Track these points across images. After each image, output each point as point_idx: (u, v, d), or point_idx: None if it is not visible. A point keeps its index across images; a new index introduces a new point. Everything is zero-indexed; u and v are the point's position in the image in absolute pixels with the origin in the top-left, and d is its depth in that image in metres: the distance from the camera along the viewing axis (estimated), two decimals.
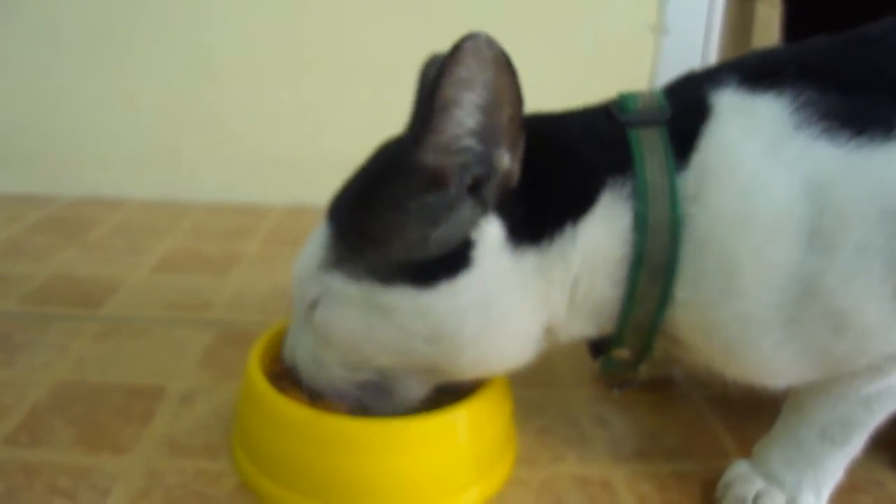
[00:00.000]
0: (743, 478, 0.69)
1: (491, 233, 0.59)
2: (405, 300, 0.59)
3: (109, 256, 1.30)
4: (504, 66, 0.54)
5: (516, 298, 0.61)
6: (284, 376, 0.74)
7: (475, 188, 0.59)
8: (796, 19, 1.92)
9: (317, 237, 0.65)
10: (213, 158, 1.68)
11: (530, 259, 0.60)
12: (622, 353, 0.68)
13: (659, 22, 1.66)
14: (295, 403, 0.67)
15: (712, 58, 1.71)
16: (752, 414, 0.79)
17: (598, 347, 0.71)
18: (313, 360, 0.67)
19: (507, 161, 0.58)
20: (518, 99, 0.56)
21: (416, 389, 0.67)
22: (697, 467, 0.76)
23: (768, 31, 2.09)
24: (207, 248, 1.37)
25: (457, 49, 0.52)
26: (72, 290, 1.14)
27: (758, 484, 0.68)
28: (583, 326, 0.65)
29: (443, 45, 0.56)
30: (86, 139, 1.67)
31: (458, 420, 0.68)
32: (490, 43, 0.52)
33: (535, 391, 0.90)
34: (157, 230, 1.46)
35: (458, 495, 0.68)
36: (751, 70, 0.62)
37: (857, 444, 0.66)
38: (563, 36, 1.56)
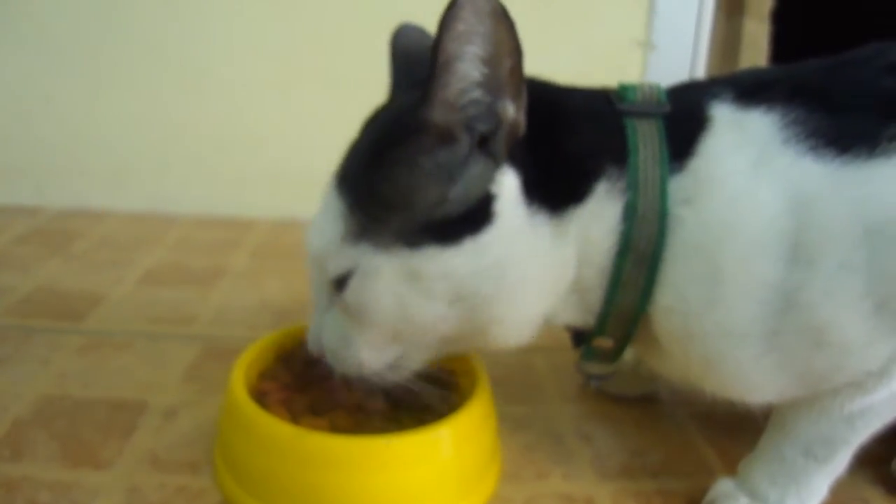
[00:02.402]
0: (727, 495, 0.70)
1: (508, 184, 0.60)
2: (432, 262, 0.59)
3: (94, 269, 1.30)
4: (502, 18, 0.55)
5: (532, 263, 0.61)
6: (268, 392, 0.74)
7: (484, 144, 0.60)
8: (785, 36, 1.93)
9: (328, 210, 0.64)
10: (199, 171, 1.68)
11: (544, 222, 0.61)
12: (603, 343, 0.68)
13: (646, 38, 1.66)
14: (277, 420, 0.67)
15: (699, 74, 1.72)
16: (737, 431, 0.79)
17: (580, 337, 0.71)
18: (342, 342, 0.66)
19: (511, 111, 0.59)
20: (517, 49, 0.56)
21: (419, 361, 0.68)
22: (682, 485, 0.76)
23: (756, 47, 2.10)
24: (193, 261, 1.37)
25: (454, 4, 0.53)
26: (55, 303, 1.13)
27: (742, 501, 0.68)
28: (571, 310, 0.66)
29: None
30: (72, 150, 1.66)
31: (442, 437, 0.68)
32: None
33: (519, 407, 0.90)
34: (143, 243, 1.46)
35: None
36: (744, 86, 0.64)
37: (840, 461, 0.66)
38: (551, 50, 1.55)
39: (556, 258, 0.62)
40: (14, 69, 1.61)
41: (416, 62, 0.72)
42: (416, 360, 0.68)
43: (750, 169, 0.58)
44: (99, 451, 0.76)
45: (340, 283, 0.63)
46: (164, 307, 1.14)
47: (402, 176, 0.60)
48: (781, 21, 1.89)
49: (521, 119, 0.60)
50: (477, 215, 0.59)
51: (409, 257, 0.60)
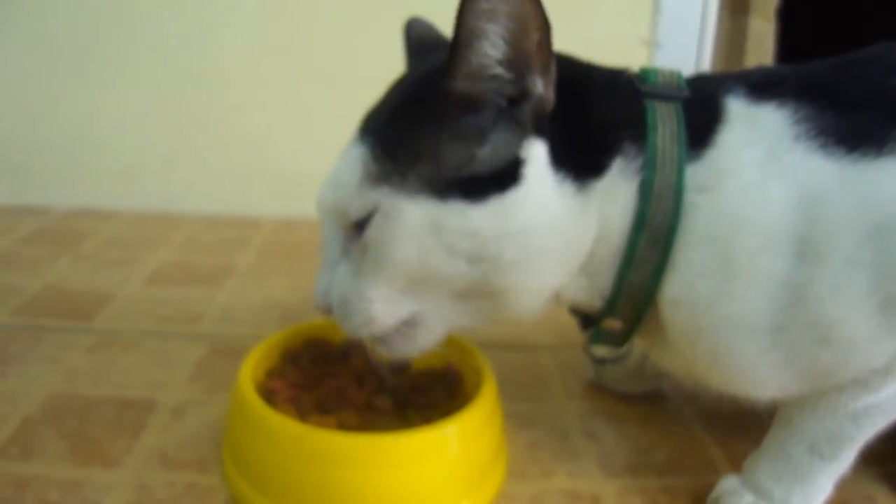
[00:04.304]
0: (732, 492, 0.70)
1: (536, 152, 0.60)
2: (456, 216, 0.59)
3: (102, 268, 1.31)
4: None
5: (554, 236, 0.61)
6: (276, 390, 0.75)
7: (513, 109, 0.60)
8: (790, 34, 1.93)
9: (346, 159, 0.64)
10: (205, 170, 1.69)
11: (570, 193, 0.61)
12: (613, 325, 0.68)
13: (651, 36, 1.67)
14: (285, 418, 0.68)
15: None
16: (743, 428, 0.80)
17: (588, 320, 0.72)
18: (353, 293, 0.64)
19: (539, 87, 0.60)
20: (545, 25, 0.57)
21: (437, 331, 0.67)
22: (687, 482, 0.77)
23: (761, 46, 2.10)
24: (200, 260, 1.38)
25: None
26: (64, 303, 1.14)
27: (746, 499, 0.69)
28: (581, 287, 0.66)
29: None
30: (79, 150, 1.67)
31: (449, 434, 0.69)
32: None
33: (525, 405, 0.90)
34: (150, 242, 1.47)
35: None
36: (756, 82, 0.64)
37: (845, 459, 0.67)
38: (555, 48, 1.57)
39: (577, 232, 0.63)
40: (19, 71, 1.62)
41: (431, 48, 0.73)
42: (430, 326, 0.66)
43: (762, 163, 0.59)
44: (108, 450, 0.77)
45: (360, 226, 0.62)
46: (171, 306, 1.15)
47: (430, 133, 0.60)
48: (786, 19, 1.89)
49: (550, 95, 0.60)
50: (504, 176, 0.60)
51: (435, 208, 0.59)
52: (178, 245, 1.46)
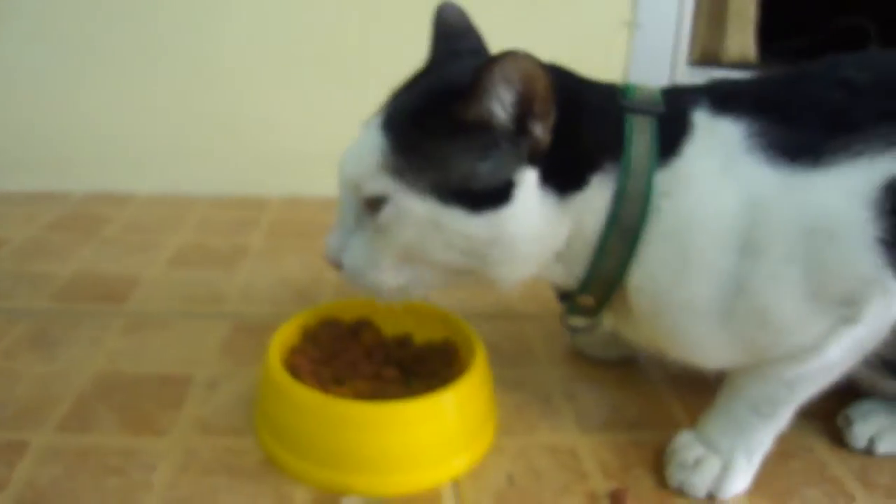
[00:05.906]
0: (686, 445, 0.79)
1: (529, 177, 0.68)
2: (456, 221, 0.68)
3: (125, 252, 1.38)
4: (537, 74, 0.63)
5: (535, 242, 0.71)
6: (299, 365, 0.85)
7: (513, 142, 0.67)
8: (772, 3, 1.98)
9: (368, 140, 0.71)
10: (214, 154, 1.74)
11: (552, 205, 0.70)
12: (585, 300, 0.78)
13: (632, 17, 1.73)
14: (310, 389, 0.78)
15: (683, 51, 1.80)
16: (702, 390, 0.86)
17: (565, 295, 0.81)
18: (367, 259, 0.74)
19: (538, 131, 0.67)
20: (548, 86, 0.64)
21: (426, 287, 0.77)
22: (653, 436, 0.86)
23: (743, 17, 2.16)
24: (215, 241, 1.44)
25: (501, 57, 0.62)
26: (96, 286, 1.22)
27: (698, 450, 0.78)
28: (557, 272, 0.76)
29: None
30: (94, 138, 1.71)
31: (447, 400, 0.78)
32: (527, 56, 0.62)
33: (513, 370, 0.99)
34: (167, 225, 1.53)
35: (448, 462, 0.79)
36: (719, 96, 0.73)
37: (782, 417, 0.76)
38: (539, 32, 1.60)
39: (555, 234, 0.72)
40: (35, 65, 1.66)
41: (459, 35, 0.82)
42: (426, 286, 0.76)
43: (718, 171, 0.68)
44: (156, 420, 0.86)
45: (373, 204, 0.70)
46: (194, 287, 1.23)
47: (442, 145, 0.68)
48: None
49: (546, 137, 0.67)
50: (498, 194, 0.68)
51: (439, 210, 0.68)
52: (193, 227, 1.52)
